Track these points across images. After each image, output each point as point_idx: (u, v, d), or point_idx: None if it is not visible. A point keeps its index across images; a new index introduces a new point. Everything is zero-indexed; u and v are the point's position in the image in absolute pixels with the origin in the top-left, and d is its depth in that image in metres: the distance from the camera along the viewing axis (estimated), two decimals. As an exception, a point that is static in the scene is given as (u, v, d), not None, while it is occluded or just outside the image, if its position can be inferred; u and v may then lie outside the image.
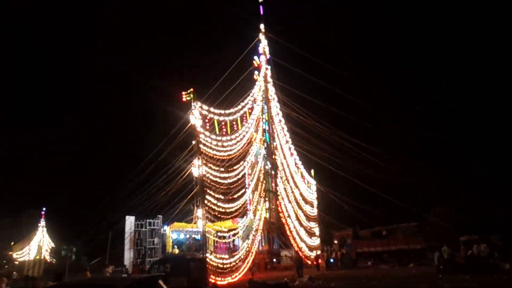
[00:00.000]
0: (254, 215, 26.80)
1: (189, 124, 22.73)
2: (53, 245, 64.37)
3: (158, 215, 27.85)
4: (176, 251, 26.24)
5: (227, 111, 26.13)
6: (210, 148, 23.18)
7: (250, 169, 28.00)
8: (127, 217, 26.54)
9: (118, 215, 25.73)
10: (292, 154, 35.86)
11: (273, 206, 30.73)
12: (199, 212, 21.67)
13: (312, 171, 39.84)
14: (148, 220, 27.51)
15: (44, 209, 72.51)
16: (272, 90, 33.86)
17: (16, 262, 55.66)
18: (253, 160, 28.46)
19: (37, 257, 55.87)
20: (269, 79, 33.73)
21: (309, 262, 29.41)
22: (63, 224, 60.41)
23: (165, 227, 27.77)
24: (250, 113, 28.85)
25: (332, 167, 32.04)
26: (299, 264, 21.33)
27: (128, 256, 24.98)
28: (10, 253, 60.05)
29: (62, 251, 53.81)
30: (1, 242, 60.40)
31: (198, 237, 26.26)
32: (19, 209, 70.16)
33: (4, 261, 54.88)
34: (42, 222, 71.47)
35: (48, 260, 53.32)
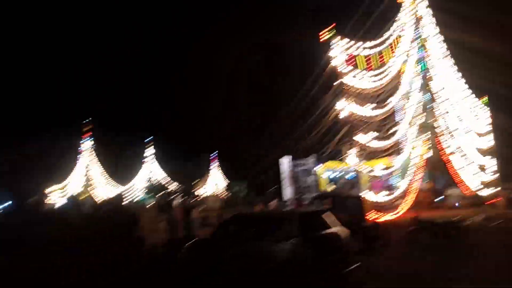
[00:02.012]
0: (411, 152, 25.13)
1: (331, 62, 22.16)
2: (226, 182, 75.42)
3: (311, 155, 29.19)
4: (329, 189, 27.29)
5: (371, 43, 24.18)
6: (356, 85, 22.26)
7: (404, 102, 25.83)
8: (281, 158, 28.79)
9: (277, 156, 28.17)
10: (454, 81, 31.06)
11: (433, 142, 27.99)
12: (351, 152, 21.67)
13: (485, 99, 33.84)
14: (301, 161, 29.26)
15: (216, 152, 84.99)
16: (424, 9, 29.07)
17: (200, 195, 68.10)
18: (406, 93, 26.03)
19: (214, 193, 66.60)
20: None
21: (484, 201, 26.21)
22: (233, 165, 69.48)
23: (318, 167, 29.00)
24: (398, 42, 25.96)
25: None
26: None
27: (288, 192, 27.54)
28: (193, 190, 73.51)
29: (234, 187, 63.07)
30: (187, 181, 74.29)
31: (350, 175, 26.51)
32: (197, 153, 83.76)
33: (191, 196, 67.82)
34: (216, 163, 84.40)
35: (222, 196, 63.20)
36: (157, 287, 7.77)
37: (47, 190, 49.43)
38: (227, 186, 71.94)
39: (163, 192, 66.65)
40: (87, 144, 75.08)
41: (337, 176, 27.82)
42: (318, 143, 24.42)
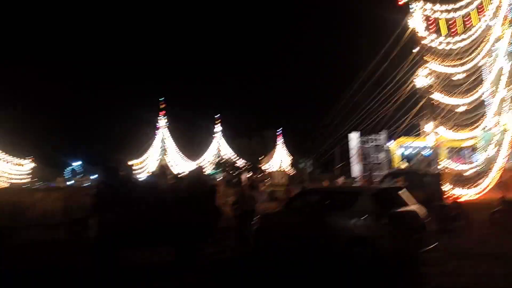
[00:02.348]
0: (497, 126, 22.57)
1: (409, 30, 20.41)
2: (291, 158, 75.76)
3: (382, 131, 27.78)
4: (403, 166, 25.88)
5: (456, 5, 21.69)
6: (437, 54, 20.31)
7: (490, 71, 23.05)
8: (350, 134, 27.76)
9: (343, 132, 27.28)
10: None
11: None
12: (428, 126, 20.14)
13: None
14: (371, 137, 27.97)
15: (280, 129, 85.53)
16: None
17: (266, 171, 69.44)
18: (493, 60, 23.14)
19: (280, 169, 67.22)
20: None
21: None
22: (298, 141, 69.33)
23: (390, 143, 27.54)
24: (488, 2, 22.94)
25: None
26: None
27: (356, 169, 26.66)
28: (259, 166, 75.08)
29: (299, 163, 63.17)
30: (253, 157, 76.02)
31: (427, 152, 24.79)
32: (262, 129, 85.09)
33: (257, 172, 69.39)
34: (281, 139, 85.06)
35: (288, 171, 63.61)
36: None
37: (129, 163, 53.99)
38: (292, 162, 72.24)
39: (231, 167, 69.09)
40: (162, 121, 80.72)
41: (412, 153, 26.19)
42: (391, 118, 23.01)
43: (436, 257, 7.20)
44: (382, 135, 27.85)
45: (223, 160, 70.88)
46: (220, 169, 66.09)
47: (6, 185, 50.49)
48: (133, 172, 8.36)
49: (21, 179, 63.04)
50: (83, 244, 9.10)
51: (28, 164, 67.31)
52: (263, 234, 8.39)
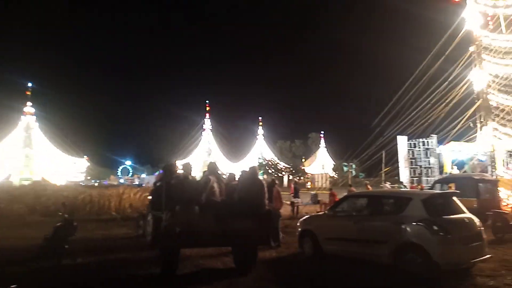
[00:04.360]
0: None
1: (465, 27, 19.31)
2: (333, 162, 74.52)
3: (432, 135, 26.55)
4: (455, 171, 24.54)
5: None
6: (496, 51, 19.06)
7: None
8: (398, 137, 26.81)
9: (391, 134, 26.45)
10: None
11: None
12: (484, 129, 18.98)
13: None
14: (421, 140, 26.77)
15: (322, 132, 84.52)
16: None
17: (308, 175, 68.96)
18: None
19: (323, 173, 66.35)
20: None
21: None
22: (342, 144, 68.30)
23: (441, 147, 26.26)
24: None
25: None
26: None
27: (405, 174, 25.62)
28: (302, 167, 74.73)
29: (343, 167, 62.03)
30: (295, 160, 75.72)
31: (483, 158, 23.31)
32: (306, 133, 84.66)
33: (300, 174, 69.04)
34: (324, 142, 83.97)
35: (330, 175, 62.63)
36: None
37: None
38: (335, 165, 71.03)
39: (272, 169, 69.28)
40: (207, 123, 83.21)
41: (465, 158, 24.75)
42: (443, 120, 21.89)
43: (491, 268, 6.85)
44: (433, 139, 26.58)
45: (265, 162, 71.30)
46: (262, 171, 66.44)
47: (63, 182, 54.34)
48: (190, 171, 8.64)
49: (76, 176, 67.61)
50: (140, 241, 9.68)
51: (83, 163, 72.06)
52: (307, 236, 8.44)
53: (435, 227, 6.30)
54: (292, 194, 18.45)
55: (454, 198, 7.31)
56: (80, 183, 57.24)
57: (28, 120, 67.89)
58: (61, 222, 7.90)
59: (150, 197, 9.10)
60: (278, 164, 71.57)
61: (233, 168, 66.17)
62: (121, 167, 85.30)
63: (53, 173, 63.10)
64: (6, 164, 60.87)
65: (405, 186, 23.88)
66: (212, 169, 7.02)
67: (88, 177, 71.19)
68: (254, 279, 6.47)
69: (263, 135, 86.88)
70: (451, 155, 25.12)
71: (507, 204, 13.98)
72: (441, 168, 25.86)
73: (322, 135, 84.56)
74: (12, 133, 66.77)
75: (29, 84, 66.68)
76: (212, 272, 7.08)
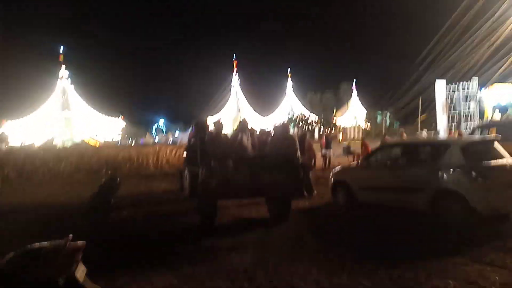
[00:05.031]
0: None
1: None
2: (366, 112, 72.62)
3: (473, 77, 24.86)
4: (496, 116, 23.17)
5: None
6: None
7: None
8: (437, 81, 25.33)
9: (428, 80, 25.09)
10: None
11: None
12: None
13: None
14: (461, 83, 25.17)
15: (355, 80, 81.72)
16: None
17: (339, 126, 67.90)
18: None
19: (355, 124, 65.06)
20: None
21: None
22: (375, 92, 65.87)
23: (483, 90, 24.65)
24: None
25: None
26: None
27: (443, 121, 24.49)
28: (334, 119, 73.48)
29: (377, 116, 60.40)
30: (326, 112, 74.42)
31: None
32: (337, 83, 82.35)
33: (331, 126, 68.13)
34: (356, 92, 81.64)
35: (363, 126, 61.33)
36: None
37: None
38: (368, 115, 69.25)
39: (303, 122, 68.72)
40: (235, 79, 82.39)
41: (509, 103, 23.17)
42: (485, 62, 20.34)
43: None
44: (474, 81, 24.89)
45: (295, 116, 70.66)
46: (292, 124, 66.15)
47: (101, 142, 56.96)
48: (221, 129, 8.75)
49: (114, 136, 70.56)
50: (179, 194, 10.16)
51: (119, 122, 74.76)
52: (341, 186, 8.50)
53: (474, 173, 6.13)
54: (324, 147, 18.37)
55: (496, 143, 7.00)
56: (117, 143, 59.75)
57: (64, 84, 70.34)
58: (105, 179, 8.41)
59: (185, 154, 9.40)
60: (308, 118, 70.70)
61: (264, 122, 66.36)
62: (155, 125, 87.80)
63: (92, 134, 66.06)
64: (48, 128, 64.28)
65: (438, 133, 23.04)
66: (242, 126, 7.11)
67: (125, 136, 73.93)
68: (288, 228, 6.71)
69: (292, 87, 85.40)
70: (494, 99, 23.62)
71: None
72: (481, 113, 24.49)
73: (354, 85, 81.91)
74: (51, 98, 69.69)
75: (61, 48, 68.24)
76: (248, 222, 7.40)
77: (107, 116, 72.98)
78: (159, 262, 5.16)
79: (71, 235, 3.04)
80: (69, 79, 70.45)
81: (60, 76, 69.82)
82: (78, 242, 3.04)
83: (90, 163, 16.89)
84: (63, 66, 69.52)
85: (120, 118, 74.48)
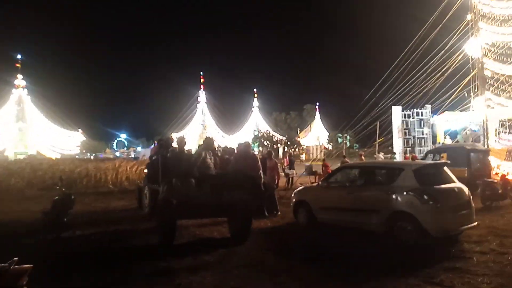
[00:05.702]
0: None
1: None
2: (328, 133, 74.83)
3: (426, 105, 26.63)
4: (447, 141, 24.78)
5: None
6: (494, 20, 18.76)
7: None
8: (393, 107, 26.83)
9: (384, 106, 26.49)
10: None
11: None
12: (478, 99, 19.04)
13: None
14: (415, 110, 26.88)
15: (317, 104, 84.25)
16: None
17: (303, 146, 69.30)
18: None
19: (317, 144, 66.78)
20: None
21: None
22: (335, 116, 68.47)
23: (434, 117, 26.40)
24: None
25: None
26: None
27: (398, 144, 25.86)
28: (298, 139, 75.06)
29: (338, 138, 62.35)
30: (290, 131, 75.85)
31: (476, 128, 23.49)
32: (301, 105, 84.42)
33: (295, 145, 69.35)
34: (318, 114, 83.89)
35: (325, 147, 63.05)
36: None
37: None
38: (329, 137, 71.40)
39: (268, 141, 69.44)
40: (202, 95, 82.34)
41: (459, 129, 24.91)
42: (437, 90, 21.85)
43: (478, 234, 7.11)
44: (427, 109, 26.67)
45: (260, 134, 71.35)
46: (257, 143, 66.54)
47: (58, 155, 54.25)
48: (184, 145, 8.63)
49: (71, 150, 67.50)
50: (137, 213, 9.83)
51: (77, 136, 71.75)
52: (302, 206, 8.64)
53: (425, 196, 6.48)
54: (287, 166, 18.62)
55: (445, 168, 7.47)
56: (76, 156, 57.12)
57: (20, 93, 66.83)
58: (59, 195, 8.00)
59: (146, 170, 9.16)
60: (273, 136, 71.67)
61: (228, 141, 66.24)
62: (116, 140, 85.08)
63: (48, 147, 62.76)
64: (0, 139, 60.44)
65: (394, 158, 24.19)
66: (207, 144, 7.08)
67: (84, 151, 71.06)
68: (250, 248, 6.67)
69: (258, 107, 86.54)
70: (445, 125, 25.29)
71: (497, 173, 14.27)
72: (434, 138, 26.12)
73: (317, 107, 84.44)
74: (4, 107, 65.87)
75: (19, 56, 65.17)
76: (208, 242, 7.28)
77: (65, 129, 69.85)
78: (114, 285, 4.94)
79: (16, 258, 2.86)
80: (26, 89, 67.10)
81: (16, 84, 66.34)
82: (24, 265, 2.86)
83: (44, 178, 16.02)
84: (20, 76, 66.23)
85: (79, 132, 71.61)
